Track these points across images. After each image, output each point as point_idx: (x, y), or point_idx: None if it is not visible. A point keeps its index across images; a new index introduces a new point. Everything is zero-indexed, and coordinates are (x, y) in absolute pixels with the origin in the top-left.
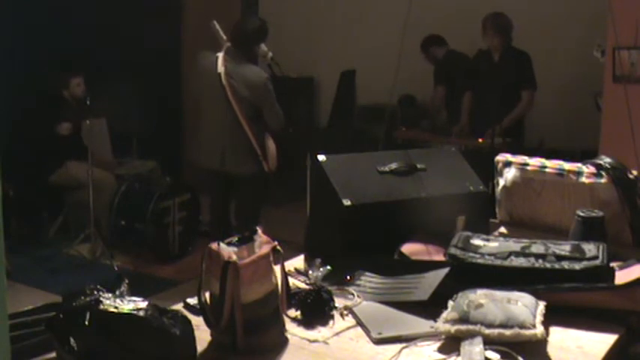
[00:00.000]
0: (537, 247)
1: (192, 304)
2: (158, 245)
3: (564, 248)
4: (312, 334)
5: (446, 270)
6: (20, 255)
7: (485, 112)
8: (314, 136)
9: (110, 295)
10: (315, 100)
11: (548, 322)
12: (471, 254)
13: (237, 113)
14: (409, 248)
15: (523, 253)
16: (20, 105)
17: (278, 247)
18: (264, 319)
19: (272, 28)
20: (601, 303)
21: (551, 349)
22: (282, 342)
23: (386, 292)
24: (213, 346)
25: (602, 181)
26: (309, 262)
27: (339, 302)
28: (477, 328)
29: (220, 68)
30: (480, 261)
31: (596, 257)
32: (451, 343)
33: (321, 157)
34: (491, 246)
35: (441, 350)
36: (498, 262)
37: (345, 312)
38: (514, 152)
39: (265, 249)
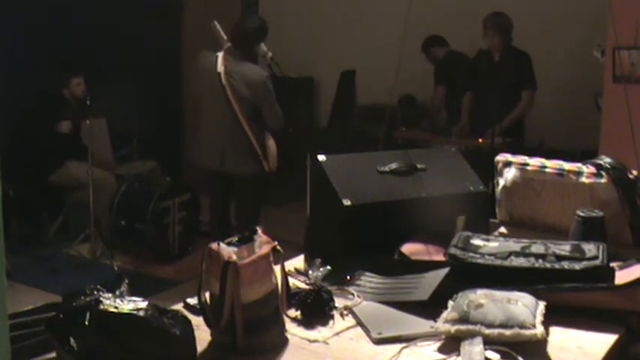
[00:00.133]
0: (537, 247)
1: (192, 304)
2: (158, 245)
3: (564, 248)
4: (312, 334)
5: (446, 270)
6: (20, 255)
7: (485, 112)
8: (314, 136)
9: (110, 295)
10: (315, 100)
11: (548, 322)
12: (471, 254)
13: (237, 113)
14: (409, 248)
15: (523, 253)
16: (20, 105)
17: (278, 247)
18: (264, 319)
19: (272, 28)
20: (601, 303)
21: (551, 349)
22: (282, 342)
23: (386, 292)
24: (213, 346)
25: (602, 181)
26: (309, 262)
27: (339, 302)
28: (477, 328)
29: (220, 67)
30: (480, 261)
31: (596, 257)
32: (451, 343)
33: (321, 157)
34: (491, 246)
35: (441, 350)
36: (498, 262)
37: (345, 312)
38: (514, 152)
39: (265, 249)
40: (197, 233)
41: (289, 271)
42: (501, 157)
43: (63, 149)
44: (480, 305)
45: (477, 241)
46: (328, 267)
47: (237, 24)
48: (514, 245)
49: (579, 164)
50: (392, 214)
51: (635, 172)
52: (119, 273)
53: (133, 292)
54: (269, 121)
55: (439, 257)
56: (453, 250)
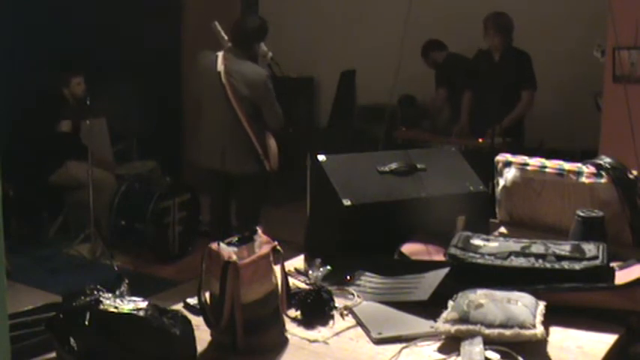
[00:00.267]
0: (537, 247)
1: (192, 304)
2: (158, 245)
3: (564, 248)
4: (312, 334)
5: (446, 270)
6: (20, 255)
7: (485, 112)
8: (314, 136)
9: (110, 295)
10: (315, 100)
11: (548, 322)
12: (471, 254)
13: (238, 112)
14: (409, 248)
15: (523, 253)
16: (20, 105)
17: (278, 247)
18: (264, 319)
19: (272, 28)
20: (601, 303)
21: (551, 349)
22: (282, 342)
23: (386, 292)
24: (213, 346)
25: (602, 181)
26: (309, 262)
27: (339, 302)
28: (477, 328)
29: (220, 67)
30: (480, 261)
31: (596, 257)
32: (451, 343)
33: (321, 157)
34: (491, 246)
35: (441, 350)
36: (498, 262)
37: (345, 312)
38: (514, 152)
39: (265, 249)
40: (197, 233)
41: (289, 271)
42: (501, 157)
43: (63, 149)
44: (480, 305)
45: (476, 241)
46: (328, 267)
47: (237, 23)
48: (514, 245)
49: (579, 164)
50: (392, 214)
51: (635, 172)
52: (119, 273)
53: (133, 292)
54: (269, 120)
55: (439, 257)
56: (453, 250)
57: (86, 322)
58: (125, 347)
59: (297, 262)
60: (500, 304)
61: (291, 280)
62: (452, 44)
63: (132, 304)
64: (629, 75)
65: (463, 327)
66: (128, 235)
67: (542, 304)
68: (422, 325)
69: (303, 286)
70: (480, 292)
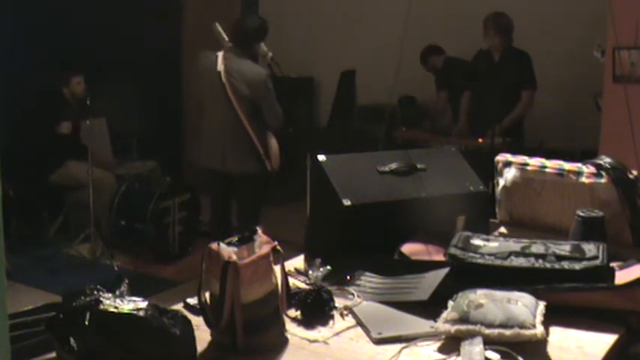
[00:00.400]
0: (537, 247)
1: (192, 304)
2: (158, 245)
3: (564, 248)
4: (312, 334)
5: (446, 270)
6: (20, 255)
7: (485, 112)
8: (314, 136)
9: (110, 295)
10: (315, 100)
11: (548, 322)
12: (471, 254)
13: (238, 111)
14: (409, 248)
15: (523, 253)
16: (20, 105)
17: (278, 247)
18: (264, 319)
19: (272, 28)
20: (601, 303)
21: (551, 349)
22: (282, 342)
23: (386, 292)
24: (213, 346)
25: (602, 181)
26: (309, 262)
27: (339, 302)
28: (477, 328)
29: (220, 66)
30: (480, 261)
31: (596, 257)
32: (451, 343)
33: (321, 157)
34: (491, 246)
35: (441, 350)
36: (498, 262)
37: (345, 312)
38: (514, 152)
39: (265, 249)
40: (197, 233)
41: (289, 271)
42: (501, 157)
43: (63, 149)
44: (480, 305)
45: (477, 241)
46: (328, 267)
47: (237, 23)
48: (514, 245)
49: (579, 164)
50: (392, 214)
51: (635, 172)
52: (119, 273)
53: (133, 292)
54: (269, 120)
55: (439, 257)
56: (453, 250)
57: (86, 322)
58: (125, 347)
59: (297, 262)
60: (500, 304)
61: (291, 280)
62: (452, 44)
63: (132, 304)
64: (629, 75)
65: (463, 327)
66: (128, 235)
67: (542, 304)
68: (422, 325)
69: (303, 286)
70: (480, 292)
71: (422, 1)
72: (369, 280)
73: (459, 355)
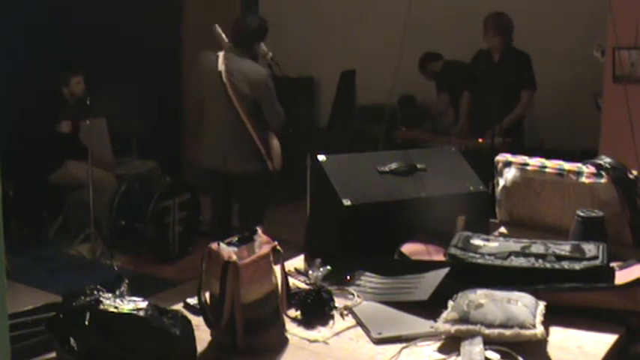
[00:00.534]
0: (537, 247)
1: (192, 304)
2: (158, 245)
3: (564, 248)
4: (312, 334)
5: (446, 270)
6: (20, 255)
7: (485, 113)
8: (314, 136)
9: (110, 295)
10: (315, 100)
11: (548, 322)
12: (471, 254)
13: (239, 111)
14: (409, 248)
15: (523, 253)
16: (20, 105)
17: (278, 247)
18: (264, 319)
19: (272, 28)
20: (601, 303)
21: (551, 349)
22: (282, 342)
23: (386, 292)
24: (213, 346)
25: (602, 181)
26: (309, 262)
27: (339, 302)
28: (477, 328)
29: (221, 66)
30: (480, 261)
31: (596, 257)
32: (451, 343)
33: (321, 157)
34: (491, 246)
35: (441, 350)
36: (498, 262)
37: (345, 312)
38: (514, 152)
39: (265, 249)
40: (197, 233)
41: (289, 271)
42: (501, 157)
43: (63, 149)
44: (480, 305)
45: (477, 241)
46: (328, 267)
47: (237, 23)
48: (514, 245)
49: (579, 164)
50: (392, 214)
51: (635, 172)
52: (119, 273)
53: (133, 292)
54: (270, 120)
55: (439, 257)
56: (453, 250)
57: (86, 322)
58: (125, 347)
59: (297, 262)
60: (500, 304)
61: (291, 280)
62: (452, 44)
63: (132, 304)
64: (629, 75)
65: (463, 327)
66: (128, 235)
67: (542, 304)
68: (422, 325)
69: (303, 286)
70: (480, 292)
71: (422, 1)
72: (369, 280)
73: (459, 355)
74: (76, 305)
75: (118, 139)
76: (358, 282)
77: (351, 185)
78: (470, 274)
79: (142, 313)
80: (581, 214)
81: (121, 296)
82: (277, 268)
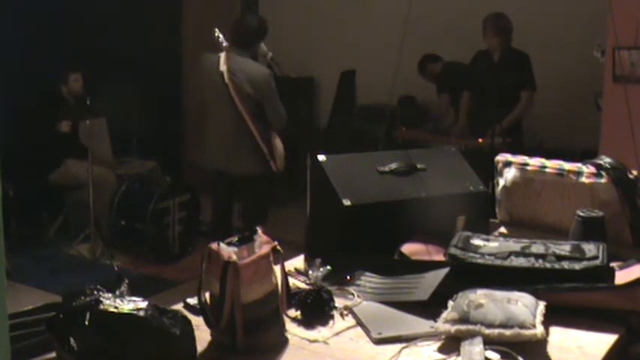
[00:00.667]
0: (537, 247)
1: (192, 304)
2: (158, 245)
3: (564, 248)
4: (312, 334)
5: (446, 270)
6: (20, 255)
7: (485, 113)
8: (314, 136)
9: (110, 295)
10: (315, 100)
11: (548, 322)
12: (471, 254)
13: (242, 111)
14: (409, 248)
15: (523, 253)
16: (20, 105)
17: (278, 247)
18: (264, 319)
19: (272, 28)
20: (601, 303)
21: (551, 349)
22: (282, 342)
23: (386, 292)
24: (213, 346)
25: (602, 181)
26: (309, 262)
27: (339, 302)
28: (477, 328)
29: (223, 66)
30: (480, 261)
31: (596, 257)
32: (451, 343)
33: (321, 157)
34: (491, 246)
35: (441, 350)
36: (498, 262)
37: (345, 312)
38: (514, 152)
39: (265, 249)
40: (197, 233)
41: (289, 271)
42: (501, 157)
43: (63, 148)
44: (480, 305)
45: (477, 241)
46: (328, 267)
47: (237, 23)
48: (514, 245)
49: (579, 164)
50: (392, 214)
51: (635, 172)
52: (119, 273)
53: (133, 292)
54: (272, 120)
55: (439, 257)
56: (453, 250)
57: (86, 322)
58: (125, 347)
59: (297, 262)
60: (500, 304)
61: (291, 280)
62: (452, 45)
63: (132, 304)
64: (629, 75)
65: (463, 327)
66: (128, 235)
67: (542, 304)
68: (422, 325)
69: (303, 286)
70: (480, 292)
71: (422, 2)
72: (369, 280)
73: (459, 355)
74: (76, 305)
75: (118, 139)
76: (358, 282)
77: (351, 185)
78: (470, 274)
79: (142, 313)
80: (581, 214)
81: (121, 296)
82: (277, 268)
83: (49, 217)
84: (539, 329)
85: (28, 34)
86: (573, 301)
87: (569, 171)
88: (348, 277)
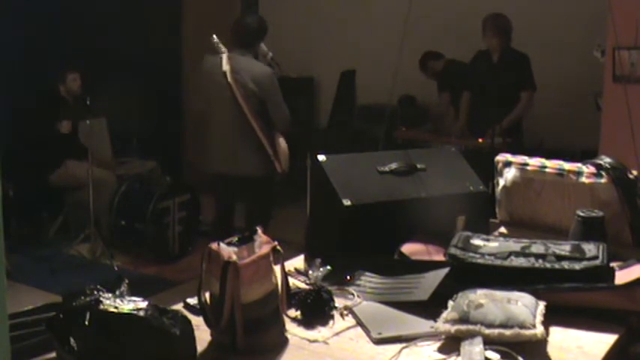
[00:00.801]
0: (537, 247)
1: (192, 304)
2: (158, 245)
3: (564, 248)
4: (312, 334)
5: (446, 270)
6: (20, 255)
7: (484, 113)
8: (314, 136)
9: (110, 295)
10: (315, 100)
11: (548, 322)
12: (471, 254)
13: (246, 111)
14: (409, 248)
15: (523, 253)
16: (20, 105)
17: (278, 247)
18: (264, 319)
19: (272, 28)
20: (601, 303)
21: (551, 349)
22: (282, 342)
23: (386, 292)
24: (213, 346)
25: (602, 181)
26: (309, 262)
27: (339, 302)
28: (477, 328)
29: (225, 66)
30: (480, 261)
31: (596, 257)
32: (451, 343)
33: (321, 157)
34: (491, 246)
35: (441, 350)
36: (498, 262)
37: (345, 312)
38: (514, 152)
39: (265, 249)
40: (197, 233)
41: (289, 271)
42: (501, 157)
43: (63, 148)
44: (480, 305)
45: (477, 241)
46: (328, 267)
47: (237, 23)
48: (514, 245)
49: (579, 164)
50: (392, 214)
51: (635, 172)
52: (119, 273)
53: (133, 292)
54: (276, 120)
55: (439, 257)
56: (453, 250)
57: (86, 322)
58: (125, 347)
59: (297, 262)
60: (500, 304)
61: (291, 280)
62: (452, 45)
63: (132, 304)
64: (629, 75)
65: (463, 327)
66: (128, 235)
67: (542, 304)
68: (422, 325)
69: (303, 286)
70: (480, 292)
71: (422, 1)
72: (369, 280)
73: (459, 355)
74: (76, 305)
75: (118, 139)
76: (358, 282)
77: (351, 185)
78: (470, 274)
79: (142, 313)
80: (581, 214)
81: (121, 296)
82: (277, 268)
83: (49, 217)
84: (539, 329)
85: (28, 34)
86: (573, 301)
87: (569, 171)
88: (348, 277)
